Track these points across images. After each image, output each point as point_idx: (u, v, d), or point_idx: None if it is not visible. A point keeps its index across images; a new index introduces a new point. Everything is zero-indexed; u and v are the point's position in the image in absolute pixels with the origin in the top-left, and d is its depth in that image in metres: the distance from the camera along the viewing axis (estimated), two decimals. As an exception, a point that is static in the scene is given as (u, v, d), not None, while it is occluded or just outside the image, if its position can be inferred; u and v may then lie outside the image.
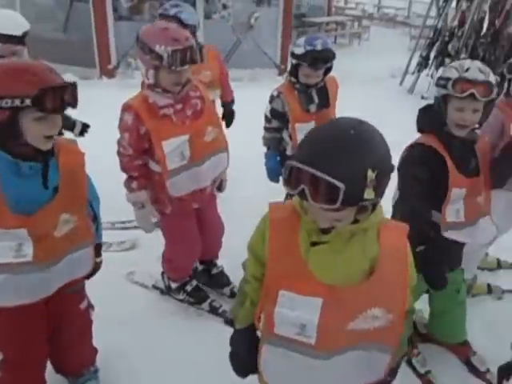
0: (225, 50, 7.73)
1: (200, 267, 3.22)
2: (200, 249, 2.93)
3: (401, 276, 1.41)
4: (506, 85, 2.87)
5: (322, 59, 2.96)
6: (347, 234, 1.39)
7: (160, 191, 2.63)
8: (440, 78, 2.22)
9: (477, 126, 2.25)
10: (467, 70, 2.13)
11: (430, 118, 2.28)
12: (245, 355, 1.62)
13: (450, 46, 7.68)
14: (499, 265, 3.63)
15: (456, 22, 7.75)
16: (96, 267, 2.14)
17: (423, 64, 8.01)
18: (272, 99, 3.19)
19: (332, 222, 1.33)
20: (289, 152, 3.26)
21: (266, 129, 3.33)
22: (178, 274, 3.01)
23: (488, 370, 2.63)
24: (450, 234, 2.32)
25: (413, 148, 2.31)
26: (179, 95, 2.50)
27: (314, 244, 1.41)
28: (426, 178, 2.20)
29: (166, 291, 3.12)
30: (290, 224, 1.43)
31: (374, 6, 15.07)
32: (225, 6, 8.51)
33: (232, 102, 4.13)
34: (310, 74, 3.01)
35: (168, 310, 3.01)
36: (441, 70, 2.28)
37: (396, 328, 1.43)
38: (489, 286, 3.35)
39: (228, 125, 4.01)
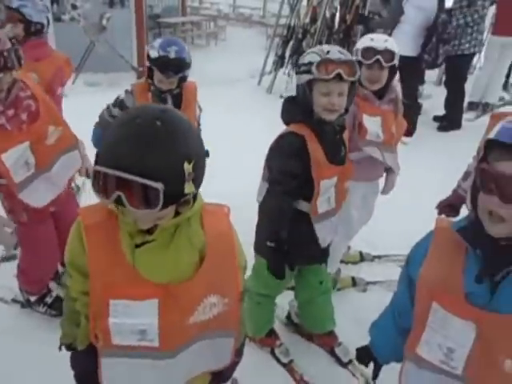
0: (80, 53, 7.48)
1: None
2: (58, 259, 2.74)
3: (230, 259, 1.40)
4: None
5: (173, 68, 2.78)
6: (171, 228, 1.33)
7: (12, 201, 2.44)
8: (302, 65, 2.15)
9: (343, 111, 2.20)
10: (328, 52, 2.09)
11: (297, 108, 2.22)
12: (95, 376, 1.45)
13: (304, 44, 7.85)
14: (362, 257, 3.75)
15: (308, 19, 7.94)
16: None
17: (279, 63, 8.14)
18: (125, 92, 2.95)
19: (154, 221, 1.27)
20: None
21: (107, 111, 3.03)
22: (34, 287, 2.85)
23: (350, 361, 2.72)
24: (318, 227, 2.33)
25: (282, 138, 2.23)
26: (7, 100, 2.23)
27: (138, 245, 1.34)
28: (297, 172, 2.16)
29: (27, 305, 3.00)
30: (108, 228, 1.33)
31: (230, 6, 15.20)
32: (74, 7, 8.02)
33: None
34: (162, 79, 2.83)
35: (29, 325, 2.91)
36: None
37: (234, 311, 1.44)
38: (353, 278, 3.45)
39: None
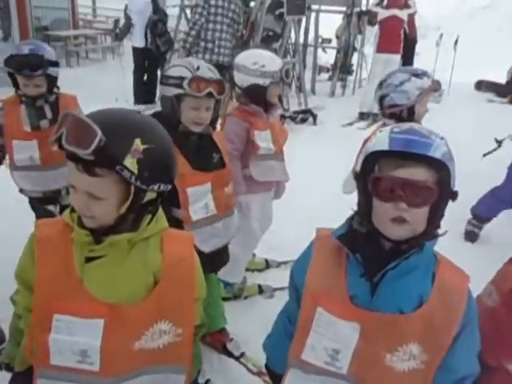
0: None
1: None
2: None
3: (187, 287, 1.36)
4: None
5: (29, 65, 2.63)
6: (125, 246, 1.30)
7: None
8: (171, 77, 2.18)
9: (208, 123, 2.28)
10: (198, 68, 2.16)
11: (163, 120, 2.22)
12: None
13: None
14: (268, 264, 3.75)
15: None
16: None
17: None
18: None
19: (87, 200, 1.23)
20: None
21: None
22: None
23: (242, 354, 2.81)
24: (199, 234, 2.26)
25: None
26: None
27: (90, 260, 1.29)
28: None
29: None
30: (60, 240, 1.30)
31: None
32: None
33: None
34: (25, 82, 2.69)
35: None
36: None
37: (187, 344, 1.37)
38: (259, 286, 3.45)
39: None
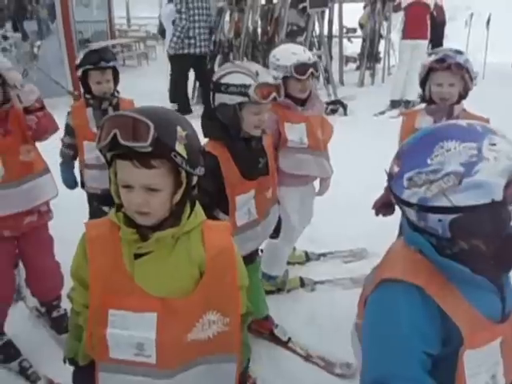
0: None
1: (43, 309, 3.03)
2: (11, 290, 2.73)
3: (230, 277, 1.39)
4: None
5: (103, 57, 2.93)
6: (170, 241, 1.36)
7: None
8: (232, 85, 2.15)
9: None
10: (257, 73, 2.16)
11: (218, 126, 2.24)
12: None
13: (231, 57, 8.16)
14: (308, 257, 3.77)
15: (232, 34, 8.31)
16: None
17: (209, 77, 8.33)
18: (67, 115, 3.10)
19: (145, 196, 1.28)
20: None
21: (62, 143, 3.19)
22: None
23: (289, 339, 2.87)
24: (240, 239, 2.21)
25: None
26: None
27: (138, 257, 1.36)
28: (211, 190, 2.14)
29: None
30: (110, 239, 1.36)
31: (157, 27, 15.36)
32: (5, 37, 8.03)
33: None
34: (98, 79, 2.95)
35: None
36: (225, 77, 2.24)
37: (235, 332, 1.40)
38: (301, 279, 3.46)
39: None
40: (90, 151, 2.94)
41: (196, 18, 7.32)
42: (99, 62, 2.91)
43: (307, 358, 2.79)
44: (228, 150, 2.22)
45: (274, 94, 2.15)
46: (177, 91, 7.72)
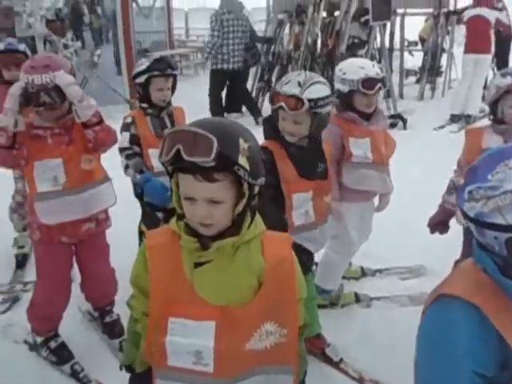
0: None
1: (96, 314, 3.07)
2: (68, 295, 2.77)
3: (289, 288, 1.39)
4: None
5: (167, 64, 2.99)
6: (230, 250, 1.36)
7: (31, 215, 2.58)
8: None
9: (304, 135, 2.33)
10: (303, 86, 2.23)
11: (270, 127, 2.39)
12: None
13: (289, 69, 8.16)
14: (363, 272, 3.73)
15: (291, 46, 8.31)
16: None
17: (266, 88, 8.40)
18: (128, 126, 3.04)
19: (208, 208, 1.28)
20: None
21: (127, 156, 3.02)
22: (42, 325, 2.80)
23: (341, 360, 2.80)
24: (298, 239, 2.32)
25: None
26: (59, 121, 2.52)
27: (198, 265, 1.36)
28: (274, 182, 2.23)
29: (35, 347, 2.86)
30: (170, 248, 1.38)
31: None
32: (66, 46, 8.36)
33: None
34: (161, 86, 2.98)
35: (30, 371, 2.72)
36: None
37: (292, 344, 1.41)
38: (356, 294, 3.41)
39: None
40: (156, 158, 2.96)
41: (230, 35, 7.53)
42: (166, 69, 2.96)
43: (360, 380, 2.71)
44: (283, 148, 2.32)
45: (280, 103, 2.23)
46: (211, 102, 7.94)
